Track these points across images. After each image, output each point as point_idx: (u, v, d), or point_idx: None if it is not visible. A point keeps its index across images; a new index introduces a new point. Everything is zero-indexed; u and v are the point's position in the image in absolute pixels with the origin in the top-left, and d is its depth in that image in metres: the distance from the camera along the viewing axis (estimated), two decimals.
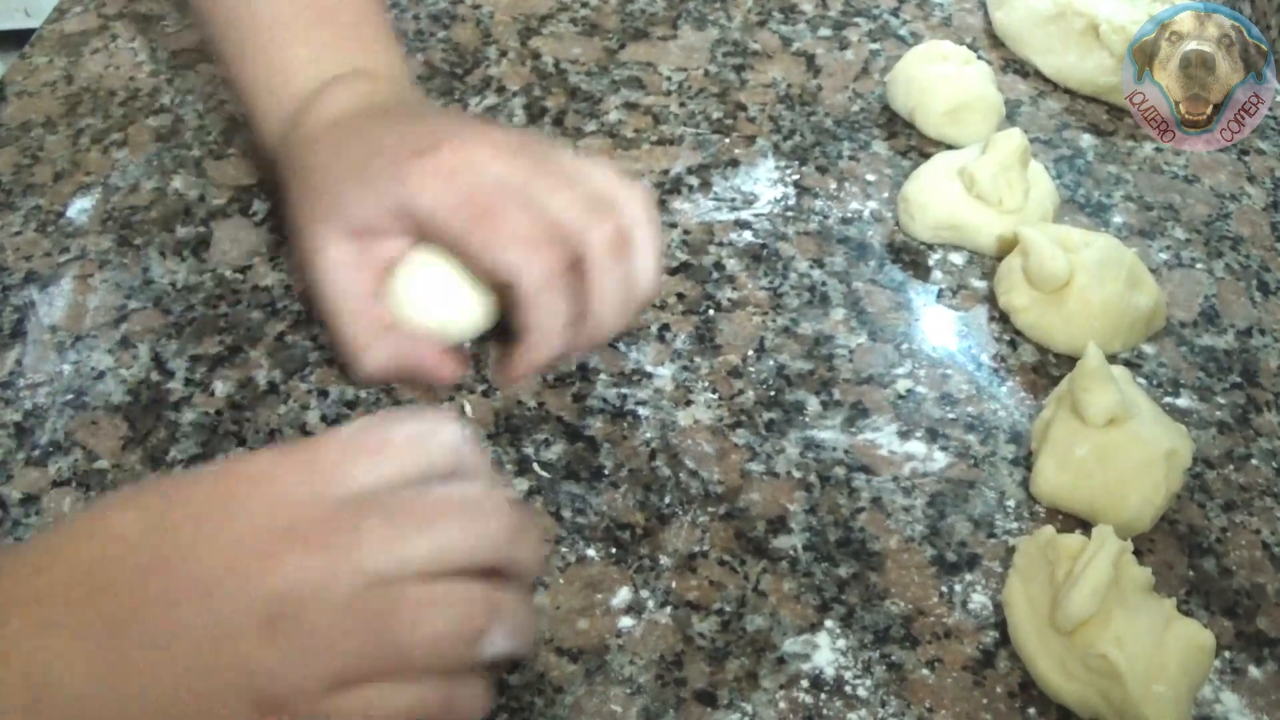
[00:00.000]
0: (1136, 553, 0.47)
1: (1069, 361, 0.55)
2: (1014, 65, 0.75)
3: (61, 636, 0.36)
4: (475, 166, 0.50)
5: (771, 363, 0.57)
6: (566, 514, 0.50)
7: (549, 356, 0.50)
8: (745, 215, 0.64)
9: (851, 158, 0.68)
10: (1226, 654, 0.47)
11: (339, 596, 0.36)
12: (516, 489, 0.51)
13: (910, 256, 0.62)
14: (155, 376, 0.55)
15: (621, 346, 0.57)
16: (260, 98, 0.57)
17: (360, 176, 0.51)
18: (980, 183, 0.61)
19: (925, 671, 0.46)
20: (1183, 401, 0.56)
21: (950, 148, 0.67)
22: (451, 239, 0.50)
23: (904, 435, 0.54)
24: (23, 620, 0.37)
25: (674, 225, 0.63)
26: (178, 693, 0.36)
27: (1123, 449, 0.49)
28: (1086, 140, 0.70)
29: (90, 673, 0.36)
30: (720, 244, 0.62)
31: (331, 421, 0.53)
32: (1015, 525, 0.51)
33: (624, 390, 0.55)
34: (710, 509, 0.51)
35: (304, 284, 0.53)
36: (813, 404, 0.55)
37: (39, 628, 0.36)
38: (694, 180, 0.66)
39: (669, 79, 0.72)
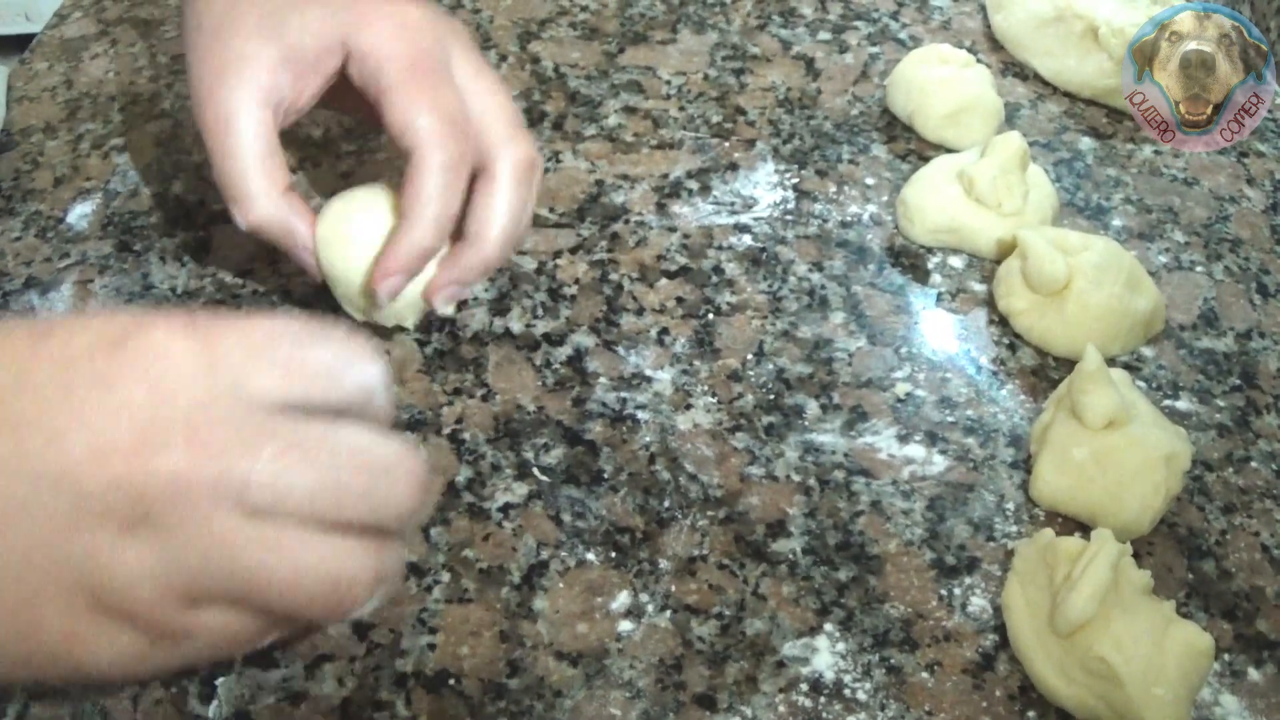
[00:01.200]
0: (1135, 555, 0.47)
1: (1068, 364, 0.55)
2: (1013, 68, 0.75)
3: None
4: (430, 33, 0.49)
5: (771, 366, 0.57)
6: (566, 518, 0.50)
7: (424, 248, 0.48)
8: (744, 219, 0.64)
9: (851, 161, 0.68)
10: (1226, 656, 0.47)
11: (215, 517, 0.32)
12: (516, 493, 0.51)
13: (909, 260, 0.62)
14: None
15: (620, 350, 0.57)
16: None
17: (310, 1, 0.49)
18: (979, 186, 0.61)
19: (925, 675, 0.46)
20: (1182, 404, 0.56)
21: (949, 151, 0.67)
22: (379, 85, 0.48)
23: (903, 439, 0.54)
24: None
25: (673, 229, 0.63)
26: (4, 577, 0.32)
27: (1122, 452, 0.49)
28: (1086, 143, 0.70)
29: None
30: (719, 248, 0.62)
31: None
32: (1014, 528, 0.51)
33: (623, 394, 0.55)
34: (710, 513, 0.51)
35: (200, 103, 0.49)
36: (812, 407, 0.55)
37: None
38: (693, 184, 0.66)
39: (668, 83, 0.72)
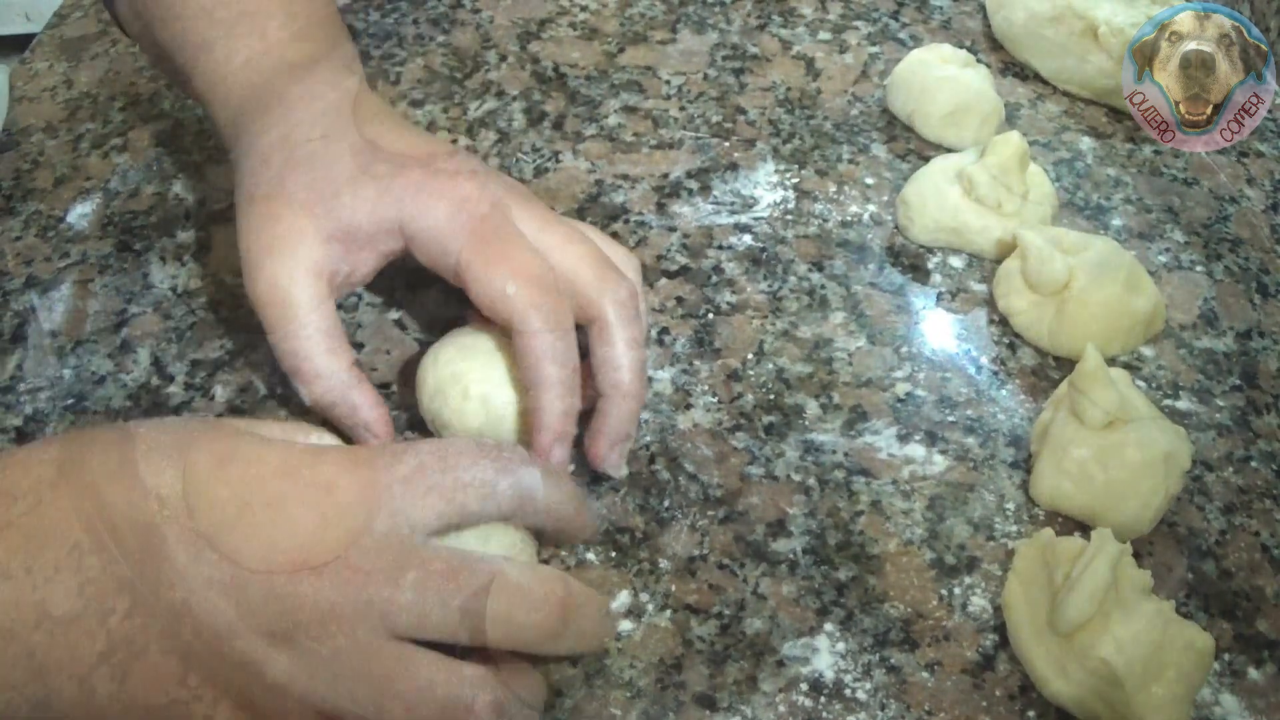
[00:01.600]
0: (1135, 555, 0.47)
1: (1068, 364, 0.55)
2: (1013, 68, 0.75)
3: (83, 583, 0.35)
4: (485, 202, 0.47)
5: (771, 366, 0.57)
6: None
7: (564, 411, 0.46)
8: (744, 219, 0.64)
9: (851, 161, 0.68)
10: (1225, 656, 0.47)
11: (357, 636, 0.36)
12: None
13: (909, 260, 0.62)
14: (155, 381, 0.55)
15: None
16: (229, 52, 0.52)
17: (361, 175, 0.48)
18: (979, 186, 0.61)
19: (925, 674, 0.46)
20: (1182, 404, 0.56)
21: (949, 151, 0.67)
22: (449, 263, 0.47)
23: (903, 438, 0.54)
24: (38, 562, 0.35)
25: (673, 229, 0.63)
26: (168, 669, 0.35)
27: (1122, 451, 0.49)
28: (1086, 143, 0.70)
29: (97, 647, 0.35)
30: (720, 247, 0.62)
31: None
32: (1014, 528, 0.51)
33: None
34: (710, 512, 0.51)
35: (251, 275, 0.48)
36: (812, 407, 0.55)
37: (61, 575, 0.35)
38: (693, 184, 0.66)
39: (668, 83, 0.72)
